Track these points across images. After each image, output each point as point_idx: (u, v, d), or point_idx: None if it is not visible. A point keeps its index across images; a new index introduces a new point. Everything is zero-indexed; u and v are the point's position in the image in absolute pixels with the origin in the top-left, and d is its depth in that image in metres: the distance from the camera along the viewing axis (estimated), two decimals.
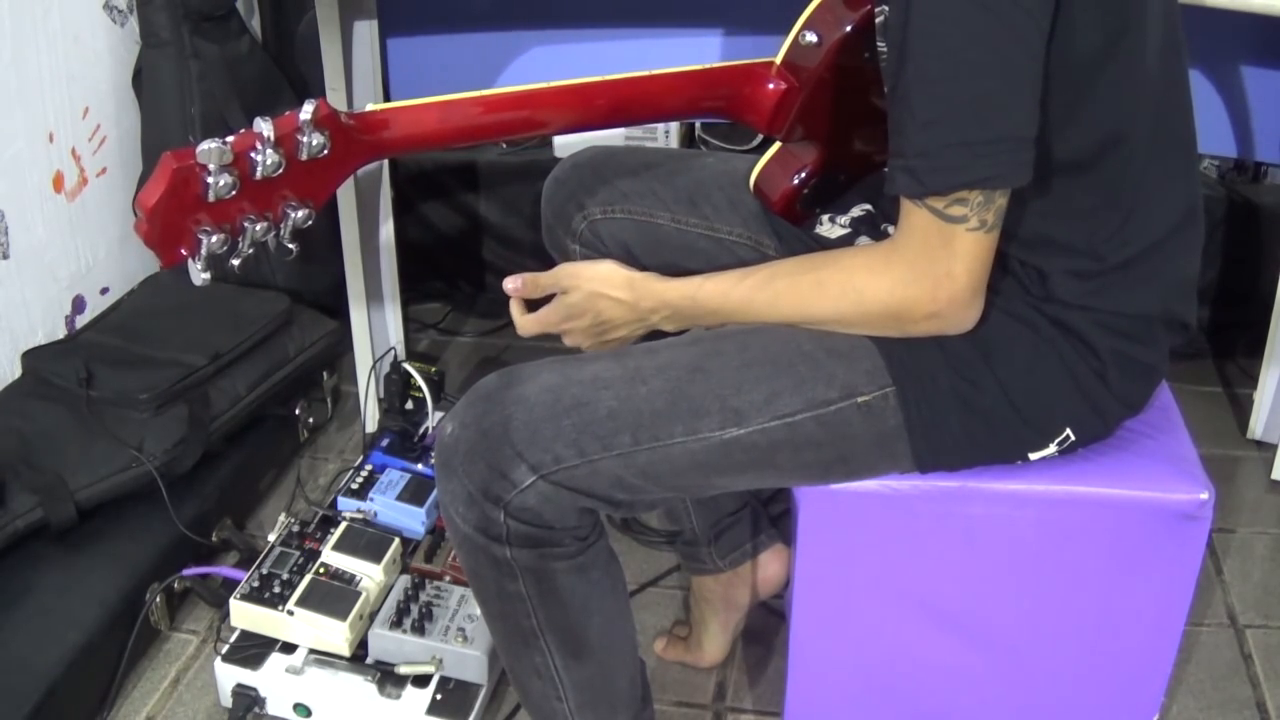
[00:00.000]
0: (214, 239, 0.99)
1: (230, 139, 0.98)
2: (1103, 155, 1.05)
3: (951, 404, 1.12)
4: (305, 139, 1.00)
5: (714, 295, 1.15)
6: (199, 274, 1.01)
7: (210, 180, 0.97)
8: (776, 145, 1.29)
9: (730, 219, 1.37)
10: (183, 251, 1.00)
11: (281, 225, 1.04)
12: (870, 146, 1.26)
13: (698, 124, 2.35)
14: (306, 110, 1.00)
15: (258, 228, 1.01)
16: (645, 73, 1.14)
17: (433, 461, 1.75)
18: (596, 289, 1.19)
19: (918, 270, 1.03)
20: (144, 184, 2.14)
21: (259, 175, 0.99)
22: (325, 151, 1.02)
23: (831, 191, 1.29)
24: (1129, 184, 1.07)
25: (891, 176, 1.02)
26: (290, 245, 1.05)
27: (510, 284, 1.22)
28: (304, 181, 1.03)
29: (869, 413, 1.12)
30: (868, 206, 1.29)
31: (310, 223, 1.04)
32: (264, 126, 0.99)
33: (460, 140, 1.12)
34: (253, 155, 0.99)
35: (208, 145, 0.96)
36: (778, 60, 1.20)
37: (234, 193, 0.98)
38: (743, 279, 1.14)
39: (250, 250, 1.03)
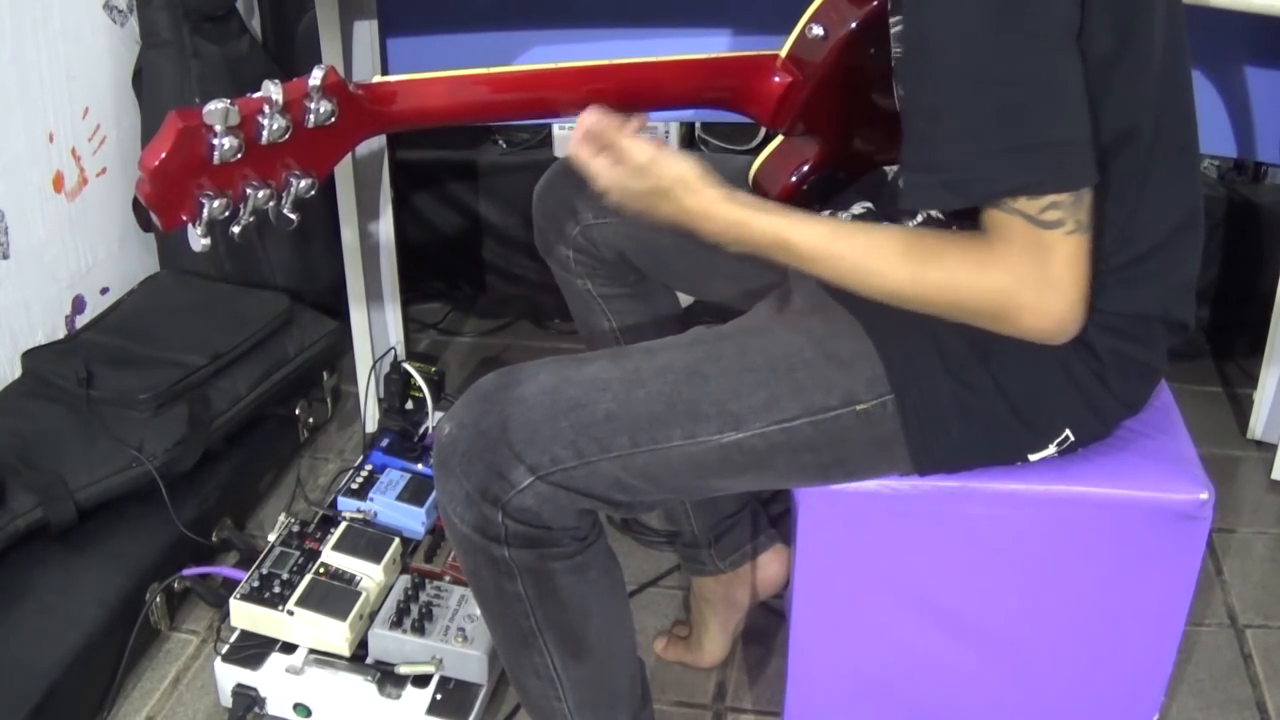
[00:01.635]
0: (216, 204, 0.98)
1: (239, 100, 0.96)
2: (1112, 157, 1.04)
3: (950, 409, 1.12)
4: (313, 105, 0.99)
5: (780, 239, 1.08)
6: (199, 239, 1.00)
7: (215, 141, 0.95)
8: (777, 140, 1.29)
9: None
10: (183, 216, 0.98)
11: (284, 194, 1.02)
12: (871, 145, 1.26)
13: (697, 124, 2.35)
14: (316, 76, 0.99)
15: (260, 194, 1.00)
16: (651, 59, 1.14)
17: (433, 461, 1.76)
18: (657, 185, 1.11)
19: (1021, 280, 1.00)
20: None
21: (265, 140, 0.98)
22: (333, 119, 1.01)
23: (830, 188, 1.29)
24: (1134, 185, 1.07)
25: (925, 191, 1.00)
26: (291, 215, 1.03)
27: (590, 118, 1.12)
28: (309, 150, 1.02)
29: (867, 419, 1.12)
30: (868, 205, 1.29)
31: (312, 193, 1.03)
32: (273, 90, 0.97)
33: (466, 117, 1.12)
34: (260, 119, 0.97)
35: (215, 105, 0.94)
36: (783, 53, 1.20)
37: (239, 156, 0.97)
38: (833, 241, 1.07)
39: (251, 218, 1.01)
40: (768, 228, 1.08)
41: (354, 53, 1.91)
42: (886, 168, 1.32)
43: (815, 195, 1.29)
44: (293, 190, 1.02)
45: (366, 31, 1.92)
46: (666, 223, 1.14)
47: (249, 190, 1.00)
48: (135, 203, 2.11)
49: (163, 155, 0.95)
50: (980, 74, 0.96)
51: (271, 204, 1.02)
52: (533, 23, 2.08)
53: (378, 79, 1.05)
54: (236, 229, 1.02)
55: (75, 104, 1.94)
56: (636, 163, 1.11)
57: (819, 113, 1.20)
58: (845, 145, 1.25)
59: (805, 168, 1.25)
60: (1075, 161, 0.98)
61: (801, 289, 1.21)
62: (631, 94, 1.15)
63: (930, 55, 0.97)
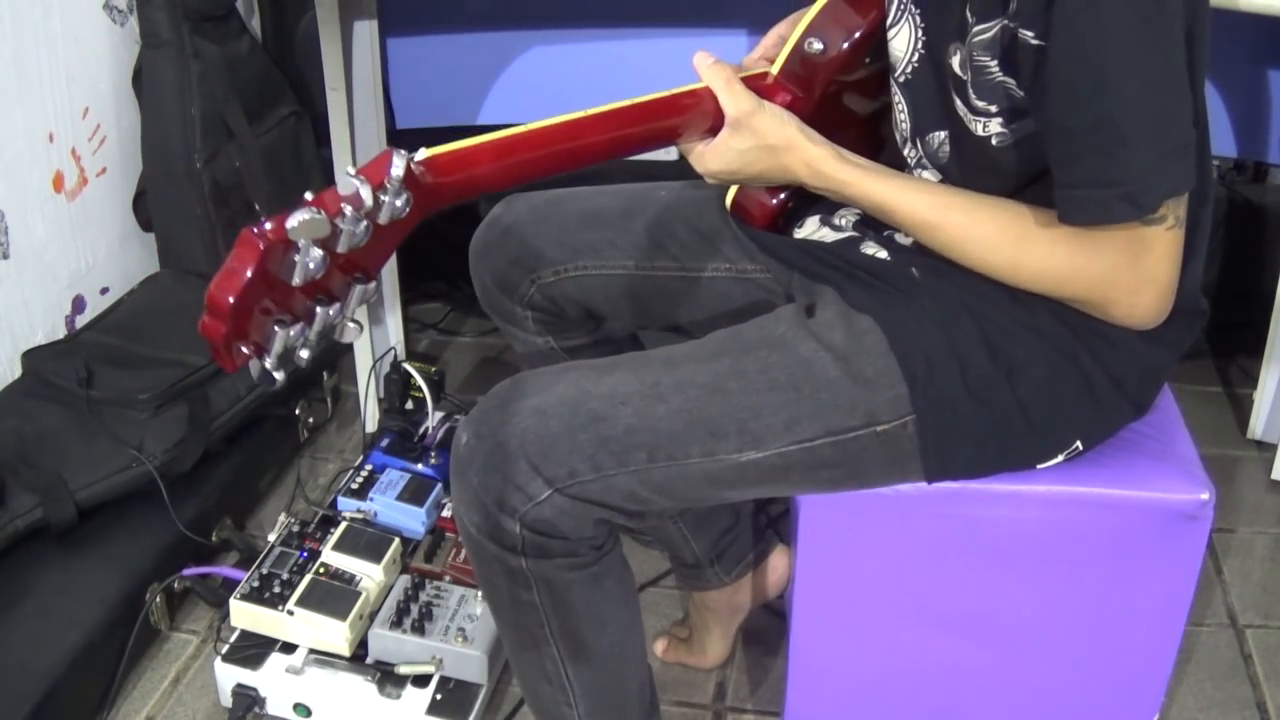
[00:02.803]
0: (292, 331, 0.81)
1: (321, 204, 0.80)
2: None
3: (969, 427, 1.12)
4: (388, 199, 0.84)
5: (893, 200, 1.10)
6: (269, 373, 0.82)
7: (298, 259, 0.79)
8: None
9: (703, 253, 1.32)
10: (246, 350, 0.80)
11: (347, 304, 0.86)
12: (850, 150, 1.25)
13: None
14: (398, 165, 0.85)
15: (330, 311, 0.83)
16: (667, 92, 1.09)
17: (433, 461, 1.76)
18: (765, 143, 1.10)
19: (1119, 273, 1.02)
20: (140, 190, 2.08)
21: (343, 248, 0.82)
22: (406, 212, 0.87)
23: (810, 200, 1.28)
24: None
25: (1101, 206, 0.99)
26: (358, 322, 0.88)
27: (706, 59, 1.12)
28: (372, 248, 0.86)
29: (886, 439, 1.12)
30: (859, 211, 1.28)
31: (374, 298, 0.90)
32: (359, 186, 0.81)
33: (516, 181, 1.03)
34: (339, 224, 0.81)
35: (303, 217, 0.78)
36: (775, 70, 1.17)
37: (322, 274, 0.80)
38: (935, 213, 1.08)
39: (317, 339, 0.85)
40: (873, 192, 1.10)
41: (354, 53, 1.91)
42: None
43: (796, 211, 1.26)
44: (355, 297, 0.86)
45: (366, 31, 1.92)
46: (760, 179, 1.14)
47: (318, 308, 0.83)
48: (135, 202, 2.11)
49: (243, 285, 0.76)
50: (1144, 79, 0.95)
51: (339, 319, 0.86)
52: (532, 23, 2.08)
53: (425, 153, 0.92)
54: (306, 354, 0.84)
55: (75, 104, 1.94)
56: (744, 123, 1.10)
57: (812, 127, 1.18)
58: None
59: (789, 189, 1.22)
60: (1194, 160, 0.99)
61: (824, 300, 1.18)
62: (655, 131, 1.10)
63: (1096, 68, 0.95)
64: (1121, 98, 0.96)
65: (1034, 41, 0.98)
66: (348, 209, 0.82)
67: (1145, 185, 0.97)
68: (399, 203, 0.86)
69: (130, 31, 2.05)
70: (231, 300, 0.77)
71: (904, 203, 1.10)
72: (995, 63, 1.04)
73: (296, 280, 0.80)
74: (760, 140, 1.11)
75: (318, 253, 0.80)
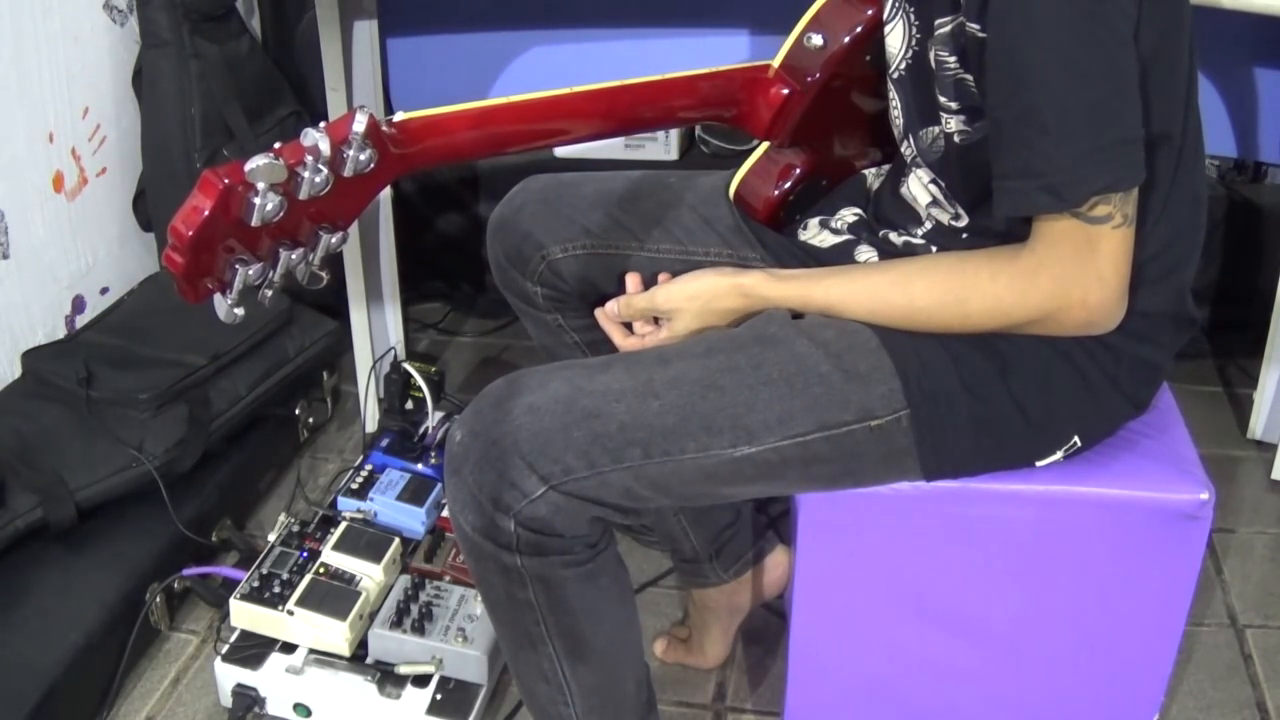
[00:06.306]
0: (251, 270, 0.87)
1: (282, 152, 0.87)
2: (1149, 157, 1.04)
3: (965, 423, 1.12)
4: (352, 153, 0.91)
5: (836, 302, 1.13)
6: (230, 310, 0.90)
7: (257, 201, 0.85)
8: (758, 153, 1.27)
9: (706, 239, 1.35)
10: (210, 285, 0.88)
11: (313, 251, 0.93)
12: (851, 150, 1.25)
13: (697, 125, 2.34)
14: (360, 122, 0.90)
15: (293, 255, 0.91)
16: (656, 77, 1.11)
17: (433, 461, 1.76)
18: (705, 306, 1.17)
19: (1067, 281, 1.02)
20: (140, 190, 2.09)
21: (304, 195, 0.88)
22: (370, 167, 0.92)
23: (813, 196, 1.28)
24: (1163, 185, 1.07)
25: (1024, 196, 1.00)
26: (322, 274, 0.95)
27: (611, 308, 1.22)
28: (339, 200, 0.93)
29: (880, 434, 1.12)
30: (858, 211, 1.28)
31: (343, 247, 0.95)
32: (318, 139, 0.87)
33: (485, 150, 1.07)
34: (301, 172, 0.88)
35: (260, 161, 0.85)
36: (776, 64, 1.18)
37: (280, 216, 0.87)
38: (875, 298, 1.12)
39: (280, 281, 0.92)
40: (813, 299, 1.14)
41: (354, 53, 1.91)
42: (866, 171, 1.31)
43: (799, 204, 1.27)
44: (321, 246, 0.93)
45: (366, 31, 1.92)
46: (733, 324, 1.18)
47: (281, 251, 0.90)
48: (135, 202, 2.11)
49: (201, 220, 0.83)
50: (1074, 72, 0.96)
51: (302, 264, 0.93)
52: (531, 23, 2.08)
53: (401, 115, 0.98)
54: (269, 293, 0.92)
55: (75, 104, 1.94)
56: (671, 306, 1.17)
57: (812, 122, 1.19)
58: (829, 153, 1.23)
59: (790, 181, 1.23)
60: (1140, 158, 0.99)
61: None
62: (641, 115, 1.12)
63: (1024, 59, 0.96)
64: (1047, 89, 0.96)
65: (980, 35, 0.99)
66: (308, 158, 0.88)
67: (1069, 178, 0.98)
68: (362, 157, 0.91)
69: (130, 31, 2.05)
70: (191, 234, 0.83)
71: (844, 300, 1.13)
72: (954, 59, 1.05)
73: (254, 221, 0.86)
74: (700, 307, 1.17)
75: (276, 197, 0.86)
